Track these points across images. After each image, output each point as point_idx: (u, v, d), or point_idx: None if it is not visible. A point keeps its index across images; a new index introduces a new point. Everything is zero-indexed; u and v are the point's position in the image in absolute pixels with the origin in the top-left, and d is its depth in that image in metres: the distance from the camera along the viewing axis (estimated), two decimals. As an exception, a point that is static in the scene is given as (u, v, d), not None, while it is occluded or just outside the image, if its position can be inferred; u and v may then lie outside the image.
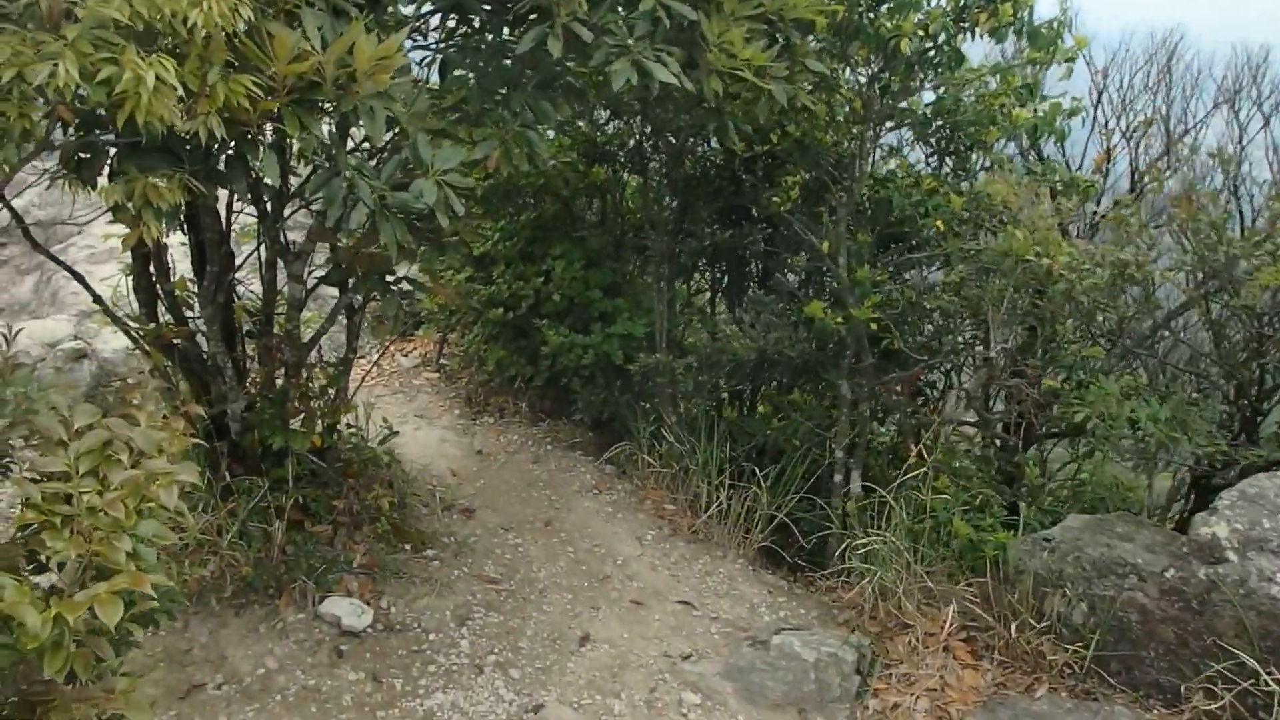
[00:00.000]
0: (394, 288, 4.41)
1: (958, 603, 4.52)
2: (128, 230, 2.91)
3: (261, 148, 3.09)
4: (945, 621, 4.49)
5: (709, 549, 5.37)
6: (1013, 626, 4.33)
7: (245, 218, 4.90)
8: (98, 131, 3.19)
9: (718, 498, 5.49)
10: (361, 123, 3.27)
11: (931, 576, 4.65)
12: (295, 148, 4.33)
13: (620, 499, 5.83)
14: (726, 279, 6.95)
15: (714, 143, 6.42)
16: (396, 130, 3.89)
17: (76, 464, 2.27)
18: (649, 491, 5.83)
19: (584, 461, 6.27)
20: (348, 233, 3.55)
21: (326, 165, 3.49)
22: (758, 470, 5.43)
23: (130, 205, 2.84)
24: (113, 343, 6.14)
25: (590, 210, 6.92)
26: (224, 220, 4.47)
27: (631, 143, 6.51)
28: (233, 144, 3.30)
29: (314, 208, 4.69)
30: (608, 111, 6.69)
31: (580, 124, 6.61)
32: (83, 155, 3.20)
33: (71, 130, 3.04)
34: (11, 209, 4.23)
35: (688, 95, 5.83)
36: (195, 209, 4.41)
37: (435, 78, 4.43)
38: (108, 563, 2.16)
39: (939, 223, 5.11)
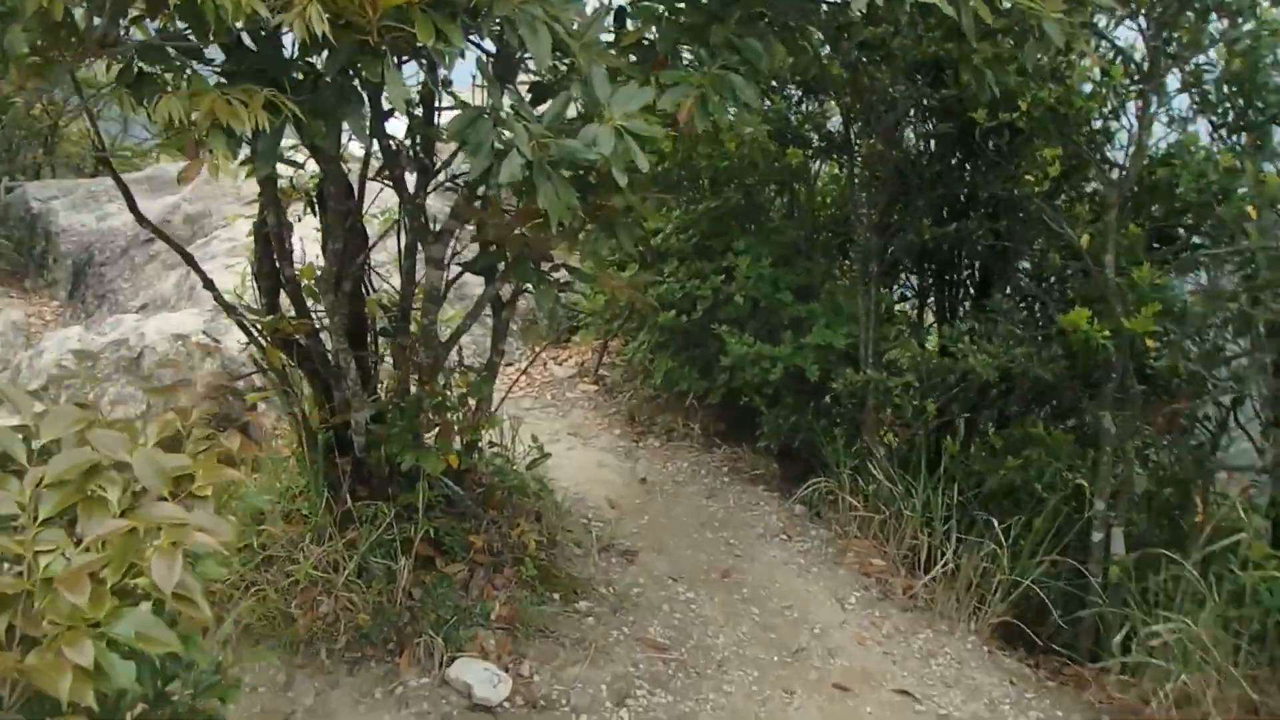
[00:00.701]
0: (550, 277, 3.52)
1: (1295, 724, 3.33)
2: (188, 164, 2.07)
3: (383, 61, 2.20)
4: (1274, 749, 3.29)
5: (931, 620, 4.27)
6: (1385, 767, 3.11)
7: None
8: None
9: (942, 554, 4.40)
10: (521, 41, 2.40)
11: (1255, 684, 3.45)
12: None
13: (815, 548, 4.80)
14: (934, 282, 5.84)
15: (931, 122, 5.38)
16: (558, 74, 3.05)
17: (34, 503, 1.39)
18: (851, 541, 4.78)
19: (768, 498, 5.26)
20: (496, 192, 2.63)
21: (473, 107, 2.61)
22: (995, 522, 4.30)
23: (192, 127, 2.00)
24: (242, 338, 5.50)
25: (777, 200, 5.95)
26: (356, 192, 3.68)
27: (831, 121, 5.52)
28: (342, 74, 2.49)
29: (460, 180, 3.87)
30: (799, 89, 5.74)
31: (769, 100, 5.66)
32: (145, 68, 2.39)
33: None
34: (113, 172, 3.54)
35: (907, 55, 4.86)
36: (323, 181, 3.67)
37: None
38: (45, 685, 1.24)
39: (1251, 209, 3.91)
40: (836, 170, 6.15)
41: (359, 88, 2.50)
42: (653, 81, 2.94)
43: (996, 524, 4.28)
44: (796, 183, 5.76)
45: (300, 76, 2.39)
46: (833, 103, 5.71)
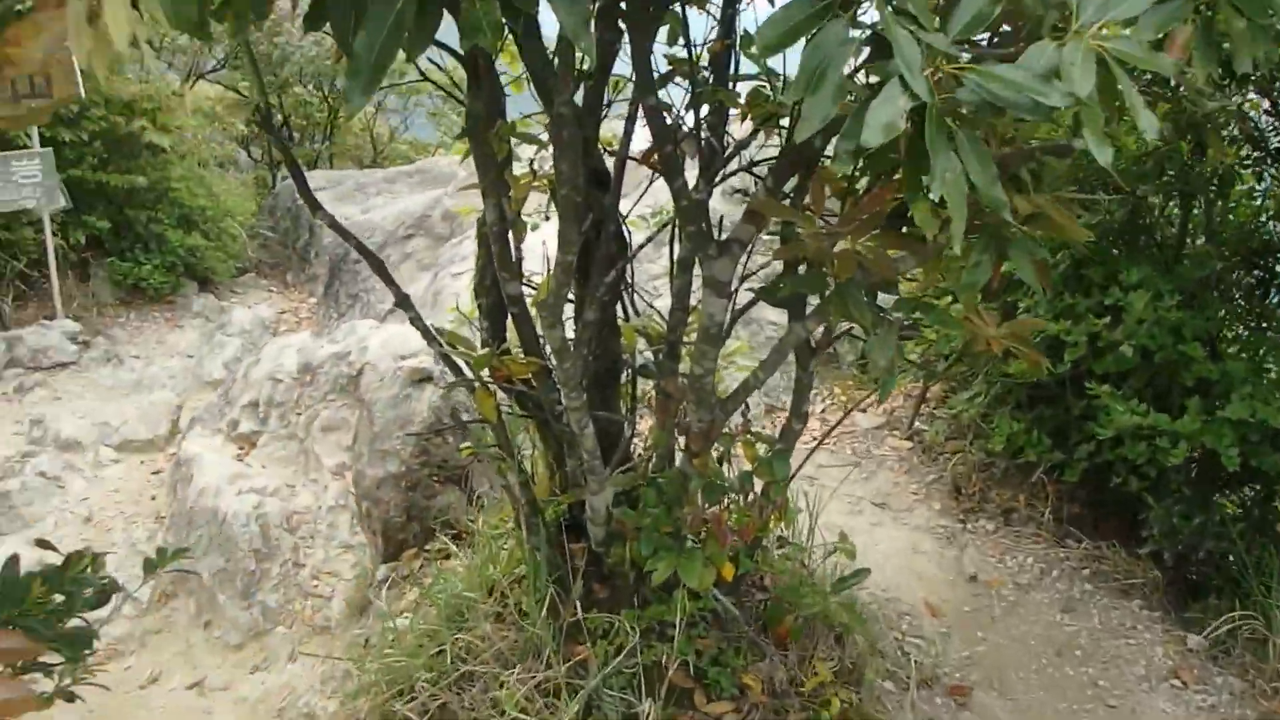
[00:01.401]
0: (890, 316, 2.29)
1: None
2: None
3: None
4: None
5: None
6: None
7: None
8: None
9: None
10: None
11: None
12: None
13: (1224, 706, 3.32)
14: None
15: None
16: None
17: None
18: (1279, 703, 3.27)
19: (1150, 622, 3.79)
20: (845, 166, 1.40)
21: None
22: None
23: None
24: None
25: (1169, 219, 4.42)
26: (611, 176, 2.65)
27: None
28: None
29: (759, 169, 2.73)
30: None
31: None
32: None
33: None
34: (284, 149, 2.69)
35: None
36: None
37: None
38: None
39: None
40: (1252, 182, 4.56)
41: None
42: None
43: None
44: (1206, 196, 4.22)
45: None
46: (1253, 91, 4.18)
